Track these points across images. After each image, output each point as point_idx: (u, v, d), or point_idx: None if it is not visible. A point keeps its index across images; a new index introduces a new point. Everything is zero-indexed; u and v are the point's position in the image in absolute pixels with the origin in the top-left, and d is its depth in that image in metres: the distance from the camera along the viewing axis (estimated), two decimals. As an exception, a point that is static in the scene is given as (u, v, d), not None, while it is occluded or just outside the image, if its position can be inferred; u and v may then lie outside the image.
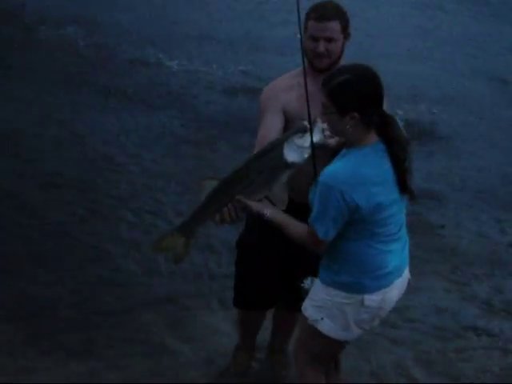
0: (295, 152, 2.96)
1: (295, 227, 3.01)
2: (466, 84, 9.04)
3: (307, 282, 3.22)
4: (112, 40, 9.46)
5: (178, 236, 3.13)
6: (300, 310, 3.22)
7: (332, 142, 3.05)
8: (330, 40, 3.30)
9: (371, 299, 3.04)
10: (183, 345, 4.25)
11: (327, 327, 3.09)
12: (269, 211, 3.01)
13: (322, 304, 3.08)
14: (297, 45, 3.19)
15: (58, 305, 4.50)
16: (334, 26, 3.30)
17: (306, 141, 2.96)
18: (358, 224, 2.93)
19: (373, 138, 2.93)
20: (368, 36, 9.67)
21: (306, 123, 2.97)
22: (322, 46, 3.30)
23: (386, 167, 2.92)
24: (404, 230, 3.12)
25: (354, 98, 2.85)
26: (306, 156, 2.97)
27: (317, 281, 3.14)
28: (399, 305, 3.28)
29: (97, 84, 8.05)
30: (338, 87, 2.85)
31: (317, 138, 2.97)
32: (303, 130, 2.97)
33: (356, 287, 3.02)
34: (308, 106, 3.03)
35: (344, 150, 2.97)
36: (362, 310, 3.06)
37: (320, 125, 2.97)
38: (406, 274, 3.18)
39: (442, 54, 9.97)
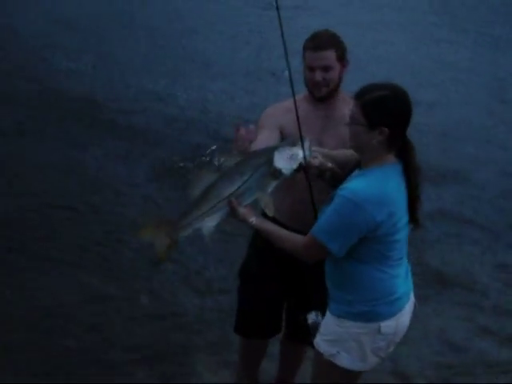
0: (284, 160, 2.97)
1: (289, 237, 3.00)
2: (474, 112, 9.03)
3: (311, 317, 3.22)
4: (119, 70, 9.47)
5: (163, 234, 3.01)
6: (303, 343, 3.23)
7: (315, 162, 3.05)
8: (326, 69, 3.34)
9: (387, 326, 3.03)
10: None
11: (345, 360, 3.06)
12: (255, 218, 2.99)
13: (337, 337, 3.05)
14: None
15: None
16: (330, 54, 3.34)
17: (294, 152, 2.97)
18: (371, 245, 2.92)
19: (391, 159, 2.94)
20: (373, 65, 9.70)
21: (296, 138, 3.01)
22: (318, 76, 3.35)
23: (402, 189, 2.94)
24: (406, 256, 3.12)
25: (388, 114, 2.86)
26: (294, 167, 2.97)
27: (327, 314, 3.11)
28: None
29: (105, 118, 7.99)
30: (375, 101, 2.85)
31: (305, 153, 2.98)
32: (292, 143, 2.99)
33: (371, 315, 3.01)
34: (300, 128, 3.09)
35: (357, 171, 2.98)
36: (379, 338, 3.04)
37: (308, 143, 3.00)
38: (412, 297, 3.19)
39: (448, 81, 9.98)
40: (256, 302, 3.70)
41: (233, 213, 2.97)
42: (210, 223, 2.99)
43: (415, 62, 10.74)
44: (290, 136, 3.31)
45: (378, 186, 2.87)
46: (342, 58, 3.39)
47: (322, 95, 3.40)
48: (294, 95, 3.25)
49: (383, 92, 2.87)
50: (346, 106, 3.40)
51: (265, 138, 3.32)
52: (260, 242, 3.52)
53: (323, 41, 3.36)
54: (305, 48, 3.39)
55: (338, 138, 3.36)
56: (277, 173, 2.97)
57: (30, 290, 4.87)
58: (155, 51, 10.29)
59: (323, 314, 3.23)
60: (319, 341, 3.12)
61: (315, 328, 3.25)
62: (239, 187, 2.96)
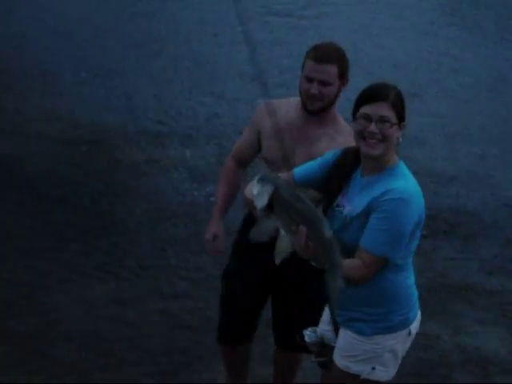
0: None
1: (351, 265, 2.85)
2: (479, 112, 8.97)
3: (308, 334, 3.20)
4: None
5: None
6: (291, 350, 3.46)
7: None
8: (324, 83, 3.26)
9: (414, 327, 3.11)
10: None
11: (381, 373, 3.08)
12: None
13: (371, 355, 3.04)
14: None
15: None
16: (332, 69, 3.27)
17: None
18: (407, 244, 2.91)
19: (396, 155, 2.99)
20: (378, 67, 9.66)
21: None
22: (315, 89, 3.26)
23: None
24: None
25: (404, 108, 2.93)
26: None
27: (350, 335, 3.07)
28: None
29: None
30: (399, 98, 2.92)
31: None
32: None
33: (405, 323, 3.05)
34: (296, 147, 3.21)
35: (363, 178, 2.94)
36: (408, 340, 3.11)
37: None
38: None
39: (453, 81, 9.94)
40: (236, 306, 3.65)
41: None
42: None
43: (422, 62, 10.67)
44: (265, 139, 3.38)
45: (412, 181, 2.92)
46: (343, 76, 3.31)
47: (314, 109, 3.32)
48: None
49: (396, 88, 2.92)
50: (332, 125, 3.38)
51: (247, 140, 3.49)
52: (242, 251, 3.51)
53: (327, 53, 3.28)
54: (307, 57, 3.31)
55: (308, 156, 3.25)
56: None
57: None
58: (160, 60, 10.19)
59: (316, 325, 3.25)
60: (347, 363, 3.08)
61: (314, 345, 3.24)
62: None
